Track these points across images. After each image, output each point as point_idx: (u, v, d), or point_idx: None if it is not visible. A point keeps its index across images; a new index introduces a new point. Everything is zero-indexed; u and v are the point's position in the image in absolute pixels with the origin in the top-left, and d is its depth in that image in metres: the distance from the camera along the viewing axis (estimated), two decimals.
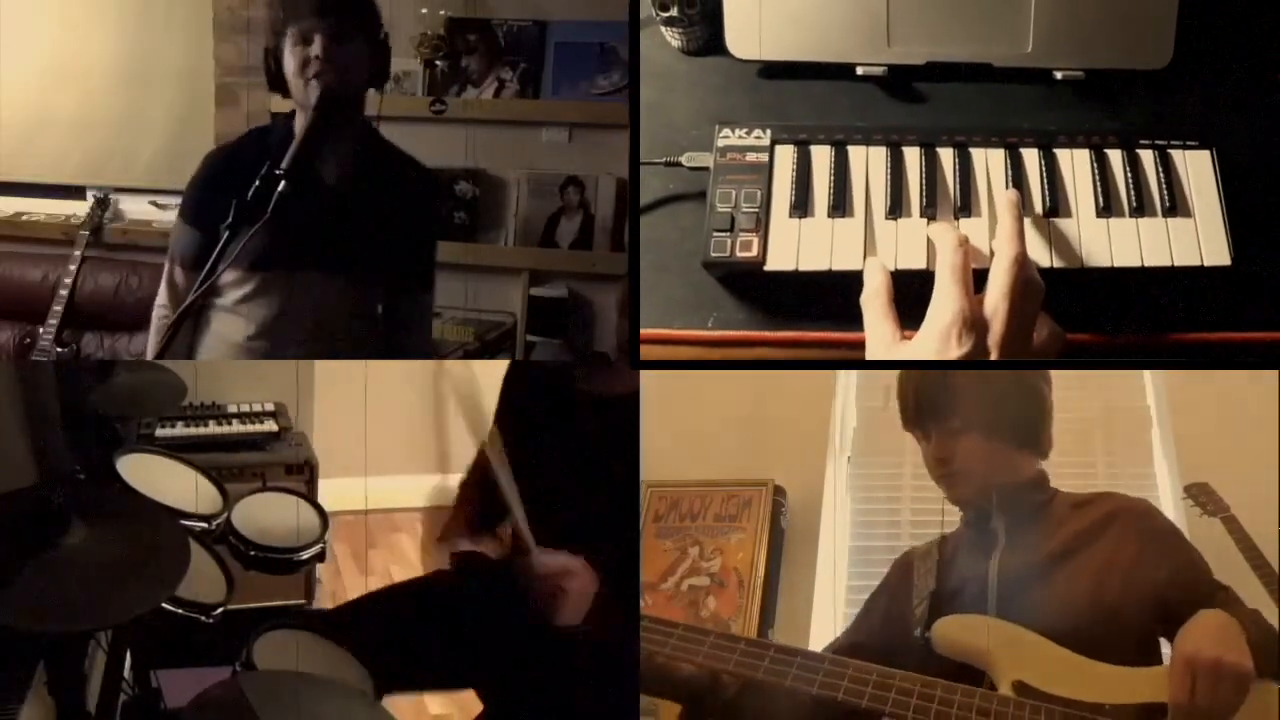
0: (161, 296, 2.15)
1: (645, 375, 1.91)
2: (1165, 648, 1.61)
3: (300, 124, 2.03)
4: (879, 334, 1.44)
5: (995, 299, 1.39)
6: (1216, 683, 1.39)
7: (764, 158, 1.66)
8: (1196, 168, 1.64)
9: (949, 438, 1.77)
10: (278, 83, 2.04)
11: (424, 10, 2.92)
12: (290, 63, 1.99)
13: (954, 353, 1.37)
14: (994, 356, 1.38)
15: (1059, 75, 1.73)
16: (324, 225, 2.03)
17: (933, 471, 1.81)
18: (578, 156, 2.88)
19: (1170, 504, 2.45)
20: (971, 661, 1.55)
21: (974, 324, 1.38)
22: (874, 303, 1.46)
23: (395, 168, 2.15)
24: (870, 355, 1.47)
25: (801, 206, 1.62)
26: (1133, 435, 2.60)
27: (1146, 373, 2.65)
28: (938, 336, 1.38)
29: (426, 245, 2.24)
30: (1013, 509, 1.74)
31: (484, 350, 2.86)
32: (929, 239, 1.55)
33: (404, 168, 2.17)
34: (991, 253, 1.47)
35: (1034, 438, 1.79)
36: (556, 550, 1.81)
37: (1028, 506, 1.75)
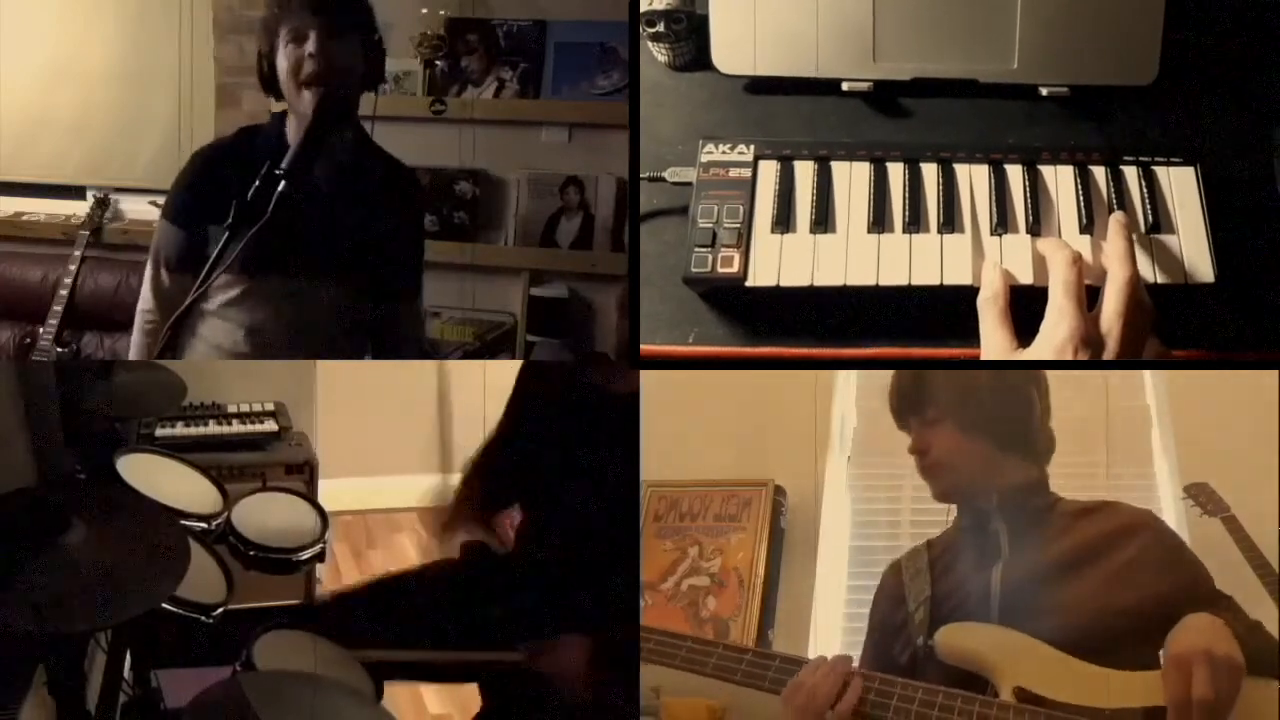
0: (146, 301, 2.11)
1: (645, 375, 1.91)
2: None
3: (293, 125, 2.02)
4: (994, 343, 1.45)
5: (1109, 319, 1.41)
6: (1210, 673, 1.40)
7: (747, 173, 1.66)
8: (1181, 184, 1.64)
9: (926, 428, 1.79)
10: (271, 86, 2.03)
11: (424, 10, 2.91)
12: (283, 63, 1.98)
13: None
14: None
15: (1044, 91, 1.73)
16: (316, 228, 2.02)
17: (917, 467, 1.82)
18: (578, 156, 2.88)
19: (1170, 504, 2.45)
20: (974, 668, 1.56)
21: (1089, 341, 1.40)
22: (990, 309, 1.47)
23: (383, 171, 2.15)
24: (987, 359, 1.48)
25: (784, 222, 1.62)
26: (1133, 435, 2.60)
27: (1146, 373, 2.64)
28: (1052, 352, 1.40)
29: (414, 251, 2.24)
30: (1013, 514, 1.74)
31: (484, 350, 2.86)
32: (895, 261, 1.56)
33: (391, 171, 2.17)
34: (1099, 272, 1.47)
35: (1022, 440, 1.78)
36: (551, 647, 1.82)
37: (1028, 513, 1.74)
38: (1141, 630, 1.57)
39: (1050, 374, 1.85)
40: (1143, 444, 2.60)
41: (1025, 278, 1.54)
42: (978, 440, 1.77)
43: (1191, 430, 2.54)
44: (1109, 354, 1.40)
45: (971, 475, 1.77)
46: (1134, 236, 1.52)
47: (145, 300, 2.12)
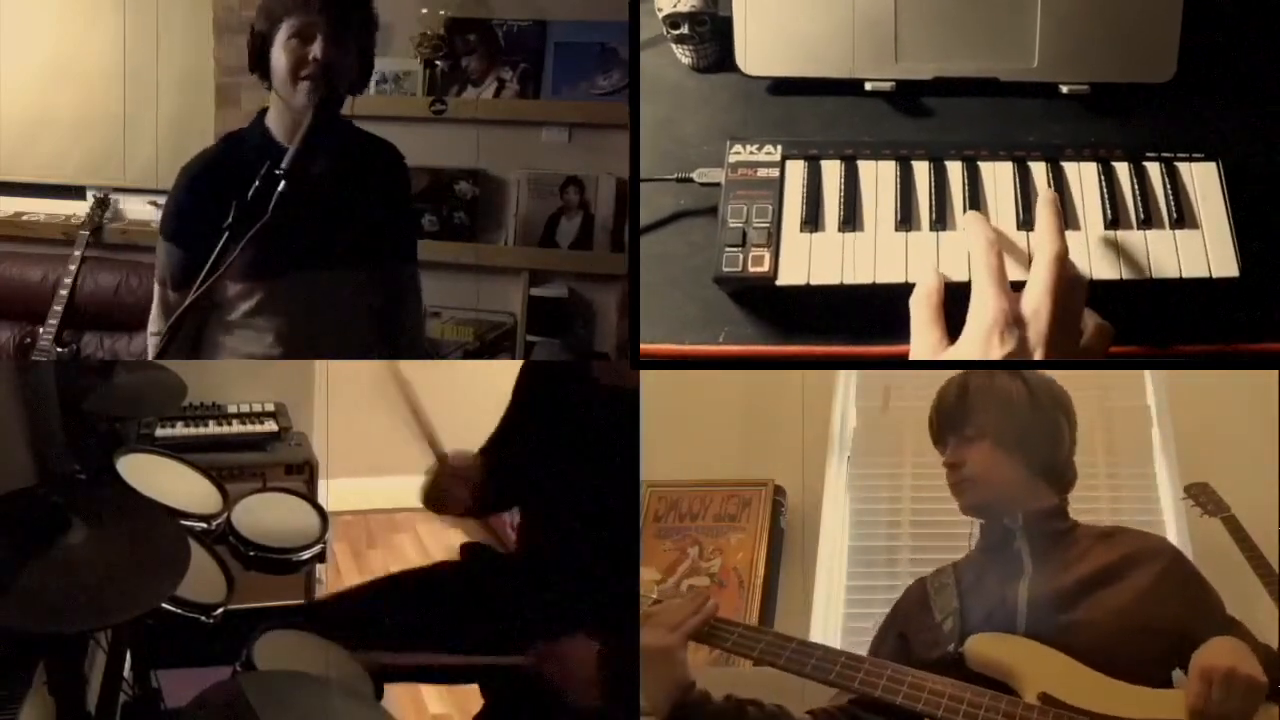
0: (155, 323, 2.09)
1: (645, 375, 1.91)
2: (1179, 680, 1.62)
3: (276, 121, 2.01)
4: (924, 340, 1.44)
5: (1037, 297, 1.38)
6: (1231, 689, 1.41)
7: (775, 173, 1.67)
8: (1203, 179, 1.64)
9: (962, 445, 1.79)
10: (260, 65, 2.02)
11: (424, 10, 2.91)
12: (282, 57, 1.96)
13: (997, 353, 1.36)
14: (1038, 355, 1.37)
15: (1064, 89, 1.74)
16: (319, 223, 2.02)
17: (949, 481, 1.83)
18: (578, 156, 2.88)
19: (1170, 504, 2.45)
20: (1000, 676, 1.57)
21: (1016, 323, 1.37)
22: (921, 307, 1.46)
23: (370, 153, 2.15)
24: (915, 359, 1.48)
25: (812, 221, 1.63)
26: (1133, 435, 2.60)
27: (1146, 373, 2.65)
28: (980, 338, 1.38)
29: (406, 220, 2.25)
30: (1036, 535, 1.76)
31: (484, 350, 2.86)
32: (923, 259, 1.57)
33: (377, 152, 2.17)
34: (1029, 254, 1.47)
35: (1051, 467, 1.80)
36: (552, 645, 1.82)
37: (1050, 535, 1.76)
38: (1158, 651, 1.59)
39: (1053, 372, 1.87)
40: (1143, 444, 2.60)
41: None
42: (1013, 459, 1.77)
43: (1191, 430, 2.55)
44: (1038, 332, 1.37)
45: (1001, 492, 1.78)
46: (1062, 211, 1.50)
47: (155, 322, 2.09)
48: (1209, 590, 1.70)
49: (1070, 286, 1.40)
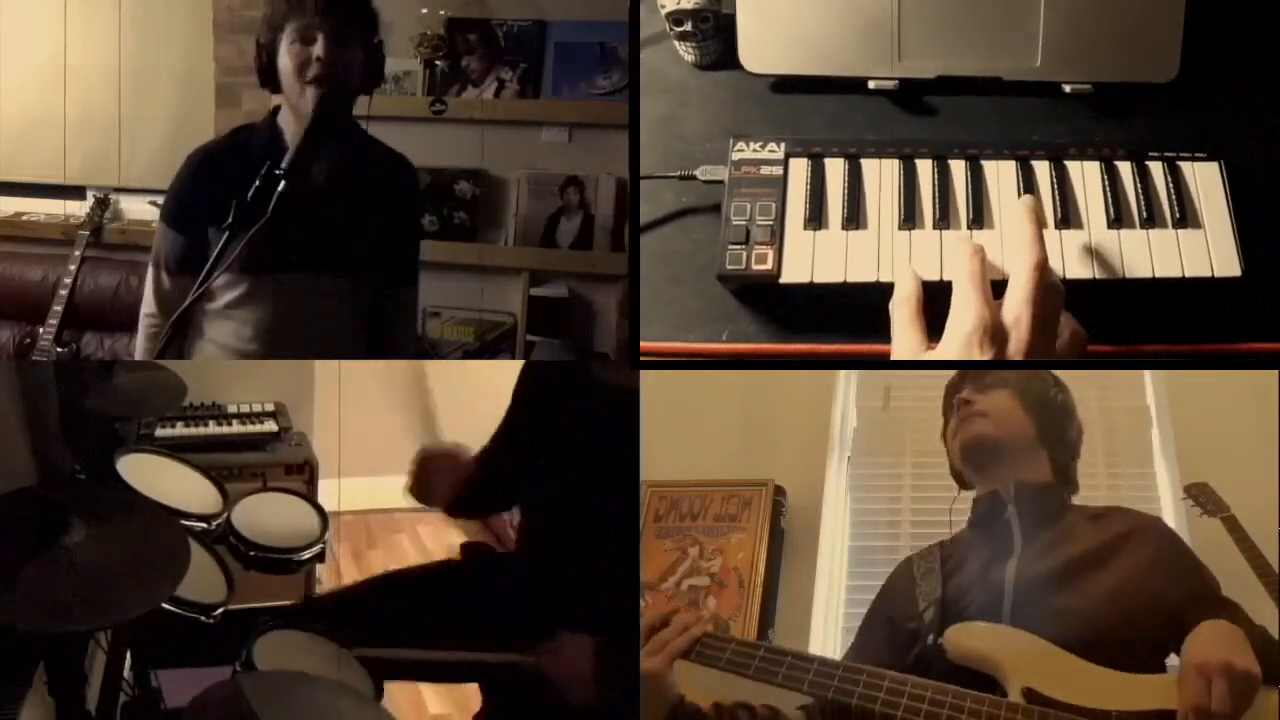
0: (149, 305, 2.11)
1: (645, 375, 1.91)
2: (1173, 661, 1.61)
3: (288, 122, 2.02)
4: (904, 342, 1.44)
5: (1017, 305, 1.39)
6: (1228, 685, 1.40)
7: (778, 171, 1.67)
8: (1205, 179, 1.65)
9: (982, 388, 1.83)
10: (268, 77, 2.03)
11: (424, 10, 2.91)
12: (287, 62, 1.98)
13: (977, 359, 1.37)
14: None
15: (1067, 88, 1.74)
16: (316, 225, 2.02)
17: (958, 417, 1.84)
18: (578, 156, 2.88)
19: (1170, 504, 2.45)
20: (983, 668, 1.55)
21: (995, 330, 1.37)
22: (901, 310, 1.46)
23: (381, 164, 2.15)
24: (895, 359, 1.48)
25: (816, 219, 1.63)
26: (1133, 435, 2.60)
27: (1146, 373, 2.64)
28: (960, 344, 1.38)
29: (411, 240, 2.25)
30: (1027, 508, 1.75)
31: (484, 350, 2.86)
32: (943, 250, 1.57)
33: (389, 164, 2.17)
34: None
35: (1059, 439, 1.81)
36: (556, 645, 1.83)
37: (1042, 510, 1.76)
38: (1149, 634, 1.58)
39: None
40: (1143, 444, 2.60)
41: (1056, 273, 1.54)
42: (1028, 415, 1.80)
43: (1191, 430, 2.54)
44: (1018, 340, 1.38)
45: (1004, 439, 1.80)
46: (1042, 217, 1.51)
47: (148, 304, 2.11)
48: (1203, 572, 1.69)
49: (1048, 294, 1.40)
